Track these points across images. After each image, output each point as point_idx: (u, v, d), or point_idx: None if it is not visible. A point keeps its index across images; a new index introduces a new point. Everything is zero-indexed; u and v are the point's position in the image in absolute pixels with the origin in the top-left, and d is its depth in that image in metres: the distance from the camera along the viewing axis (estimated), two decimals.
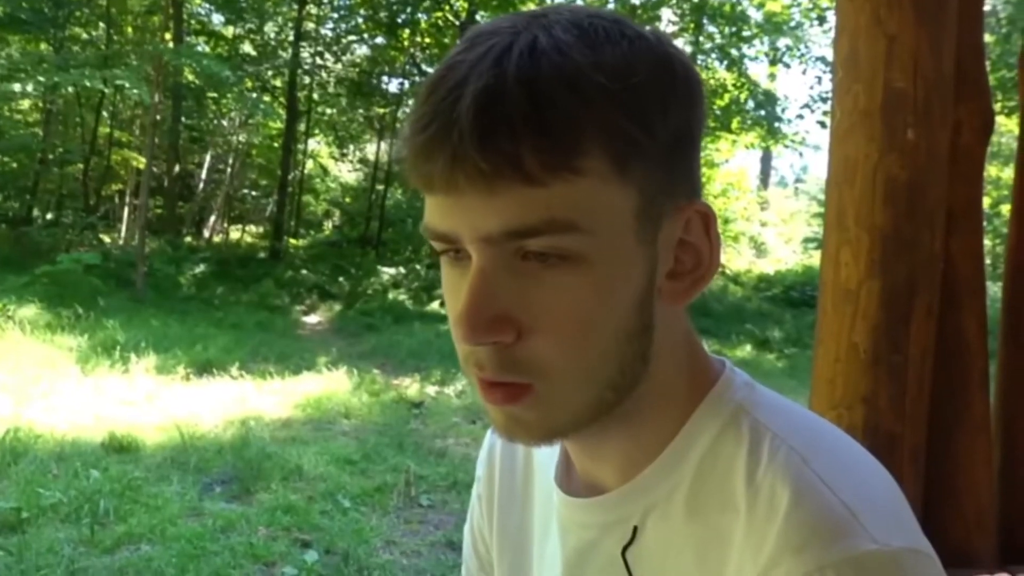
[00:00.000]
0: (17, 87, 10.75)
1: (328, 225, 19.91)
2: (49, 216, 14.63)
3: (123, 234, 14.96)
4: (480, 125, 0.49)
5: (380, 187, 17.82)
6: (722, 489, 0.58)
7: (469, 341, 0.54)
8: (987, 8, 13.05)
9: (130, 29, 15.72)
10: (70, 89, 12.88)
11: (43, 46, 13.46)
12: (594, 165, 0.51)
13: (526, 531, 0.74)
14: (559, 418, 0.57)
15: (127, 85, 10.77)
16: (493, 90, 0.50)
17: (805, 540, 0.52)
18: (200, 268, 13.45)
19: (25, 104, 13.42)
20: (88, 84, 10.72)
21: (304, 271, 14.50)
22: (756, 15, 16.11)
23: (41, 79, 10.77)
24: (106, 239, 14.30)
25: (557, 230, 0.51)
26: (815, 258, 16.84)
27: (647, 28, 0.57)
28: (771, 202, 27.04)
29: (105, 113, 15.95)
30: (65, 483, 4.46)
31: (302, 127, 17.63)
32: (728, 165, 21.26)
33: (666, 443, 0.60)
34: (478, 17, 15.44)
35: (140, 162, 14.32)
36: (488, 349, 0.54)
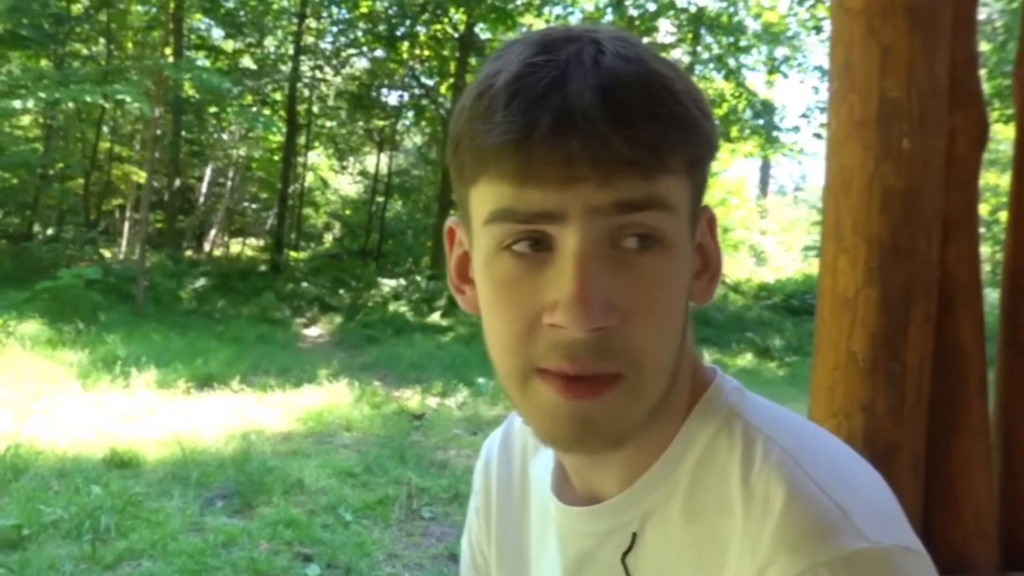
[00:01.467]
0: (18, 103, 10.80)
1: (328, 237, 19.95)
2: (50, 231, 14.66)
3: (124, 248, 14.99)
4: (608, 119, 0.52)
5: (380, 199, 17.86)
6: (718, 492, 0.58)
7: (586, 324, 0.53)
8: (983, 17, 13.11)
9: (130, 44, 15.81)
10: (70, 105, 12.94)
11: (43, 62, 13.53)
12: (677, 162, 0.55)
13: (523, 543, 0.75)
14: (635, 415, 0.57)
15: (128, 100, 10.83)
16: (610, 86, 0.53)
17: (799, 539, 0.53)
18: (201, 282, 13.47)
19: (26, 120, 13.48)
20: (88, 99, 10.78)
21: (305, 284, 14.52)
22: (754, 25, 16.19)
23: (42, 95, 10.83)
24: (107, 254, 14.32)
25: (659, 207, 0.54)
26: (815, 266, 16.84)
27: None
28: (771, 211, 27.10)
29: (105, 128, 16.02)
30: (66, 499, 4.46)
31: (302, 140, 17.70)
32: (727, 174, 21.31)
33: (663, 448, 0.61)
34: (477, 30, 15.52)
35: (141, 176, 14.37)
36: (587, 338, 0.53)
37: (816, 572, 0.51)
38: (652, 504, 0.62)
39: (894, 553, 0.52)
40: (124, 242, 15.23)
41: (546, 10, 15.77)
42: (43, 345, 8.35)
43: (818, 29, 15.64)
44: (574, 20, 15.98)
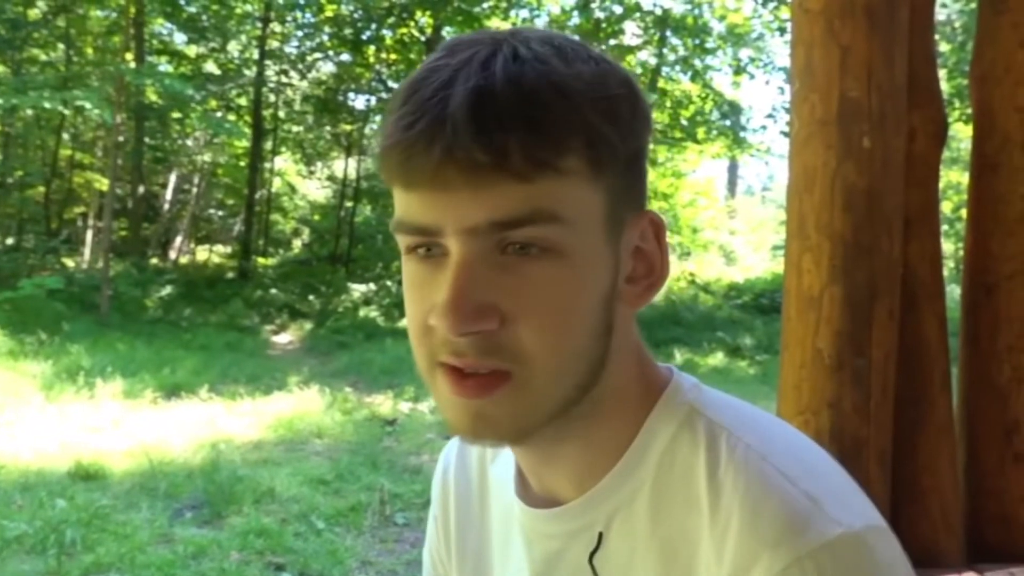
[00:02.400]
0: None
1: (297, 243, 19.77)
2: (10, 241, 14.35)
3: (87, 257, 14.72)
4: (475, 120, 0.52)
5: (349, 204, 17.75)
6: (684, 489, 0.59)
7: (456, 330, 0.54)
8: (942, 17, 13.38)
9: (90, 50, 15.53)
10: (29, 111, 12.69)
11: (0, 68, 13.25)
12: (574, 165, 0.55)
13: (485, 548, 0.75)
14: (530, 412, 0.58)
15: (88, 106, 10.63)
16: (485, 89, 0.53)
17: (779, 534, 0.54)
18: (167, 290, 13.27)
19: None
20: (48, 106, 10.57)
21: (273, 290, 14.37)
22: (719, 27, 16.36)
23: None
24: (69, 263, 14.05)
25: (541, 220, 0.54)
26: (783, 265, 17.04)
27: (604, 53, 0.61)
28: (739, 211, 27.40)
29: (66, 135, 15.72)
30: (30, 513, 4.36)
31: (268, 145, 17.53)
32: (695, 175, 21.51)
33: (623, 447, 0.62)
34: (444, 33, 15.50)
35: (103, 184, 14.13)
36: (468, 339, 0.55)
37: (801, 565, 0.53)
38: (617, 504, 0.62)
39: (867, 533, 0.54)
40: (87, 251, 14.96)
41: (512, 13, 15.80)
42: (4, 357, 8.16)
43: (782, 30, 15.85)
44: (540, 23, 16.05)
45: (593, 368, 0.59)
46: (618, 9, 14.93)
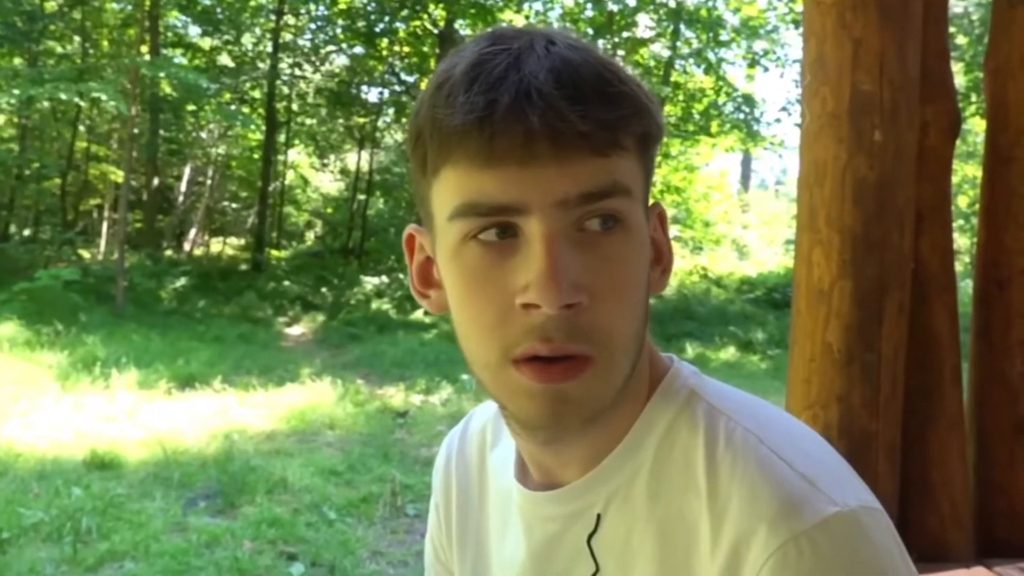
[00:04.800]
0: None
1: (310, 236, 19.85)
2: (27, 232, 14.48)
3: (102, 249, 14.84)
4: (564, 94, 0.54)
5: (362, 197, 17.79)
6: (682, 472, 0.60)
7: (558, 301, 0.54)
8: (959, 10, 13.21)
9: (106, 42, 15.63)
10: (46, 103, 12.79)
11: (17, 60, 13.35)
12: (631, 144, 0.58)
13: (484, 534, 0.76)
14: (607, 394, 0.59)
15: (103, 98, 10.71)
16: (566, 67, 0.55)
17: (775, 514, 0.55)
18: (181, 281, 13.36)
19: (0, 119, 13.29)
20: (64, 97, 10.64)
21: (286, 282, 14.44)
22: (732, 19, 16.26)
23: (16, 92, 10.69)
24: (85, 254, 14.17)
25: (620, 193, 0.56)
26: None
27: None
28: (752, 204, 27.25)
29: (82, 127, 15.83)
30: (46, 502, 4.42)
31: (282, 138, 17.59)
32: (708, 168, 21.41)
33: (624, 432, 0.63)
34: (456, 26, 15.49)
35: (118, 176, 14.23)
36: (558, 319, 0.55)
37: (797, 543, 0.54)
38: (616, 486, 0.63)
39: (861, 513, 0.56)
40: (103, 242, 15.08)
41: (526, 5, 15.76)
42: (21, 347, 8.25)
43: (796, 23, 15.73)
44: (554, 16, 15.99)
45: (640, 350, 0.61)
46: (631, 1, 14.86)
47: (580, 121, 0.53)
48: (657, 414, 0.63)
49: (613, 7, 14.67)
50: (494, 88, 0.54)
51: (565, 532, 0.66)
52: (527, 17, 15.76)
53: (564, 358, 0.56)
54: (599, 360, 0.57)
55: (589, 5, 15.17)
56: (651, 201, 0.63)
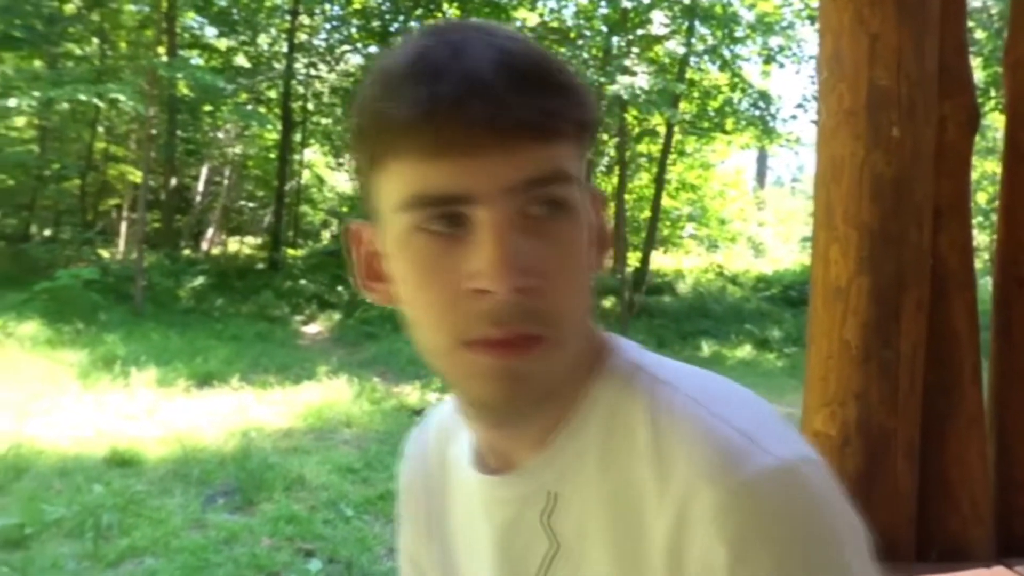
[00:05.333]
0: (13, 102, 10.77)
1: (326, 235, 19.93)
2: (47, 232, 14.64)
3: (121, 248, 14.97)
4: (509, 84, 0.55)
5: None
6: (629, 442, 0.62)
7: (510, 284, 0.55)
8: (978, 4, 13.06)
9: (123, 44, 15.76)
10: (65, 105, 12.91)
11: (37, 63, 13.50)
12: (571, 131, 0.59)
13: (450, 529, 0.77)
14: (559, 370, 0.60)
15: (122, 99, 10.81)
16: (508, 57, 0.56)
17: (715, 470, 0.56)
18: (199, 280, 13.46)
19: (20, 121, 13.44)
20: (83, 98, 10.76)
21: (303, 281, 14.51)
22: (748, 15, 16.16)
23: (36, 94, 10.81)
24: (104, 254, 14.31)
25: (562, 179, 0.58)
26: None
27: None
28: (768, 202, 27.10)
29: (100, 128, 15.98)
30: (68, 498, 4.48)
31: (298, 137, 17.67)
32: (724, 166, 21.31)
33: (570, 409, 0.65)
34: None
35: (136, 176, 14.35)
36: (510, 303, 0.56)
37: (737, 496, 0.55)
38: (567, 463, 0.64)
39: (800, 464, 0.57)
40: (122, 242, 15.22)
41: (540, 3, 15.74)
42: (42, 346, 8.36)
43: (812, 19, 15.62)
44: (568, 13, 15.96)
45: (587, 329, 0.64)
46: None
47: (523, 110, 0.55)
48: (602, 390, 0.65)
49: (627, 4, 14.62)
50: (437, 80, 0.54)
51: (522, 513, 0.67)
52: (541, 15, 15.75)
53: (516, 338, 0.57)
54: (550, 339, 0.59)
55: (603, 2, 15.12)
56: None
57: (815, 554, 0.55)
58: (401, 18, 15.78)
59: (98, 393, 6.88)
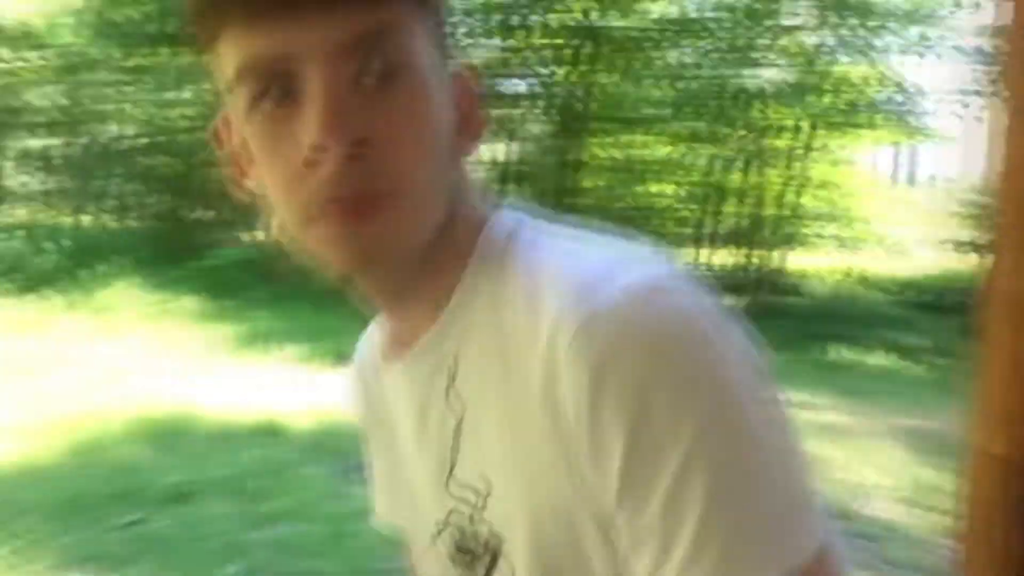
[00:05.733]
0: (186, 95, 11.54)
1: None
2: (204, 213, 15.66)
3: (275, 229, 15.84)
4: None
5: (504, 186, 18.10)
6: (512, 299, 0.63)
7: (337, 147, 0.56)
8: None
9: None
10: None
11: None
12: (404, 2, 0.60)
13: (391, 433, 0.79)
14: (411, 231, 0.62)
15: None
16: None
17: (573, 301, 0.58)
18: None
19: (187, 111, 14.41)
20: None
21: None
22: (891, 5, 15.24)
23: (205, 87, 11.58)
24: (260, 235, 15.21)
25: (390, 42, 0.59)
26: (959, 260, 15.80)
27: None
28: (909, 201, 25.56)
29: None
30: (222, 461, 4.84)
31: None
32: (862, 162, 20.27)
33: (457, 282, 0.67)
34: (594, 16, 15.39)
35: None
36: (346, 168, 0.57)
37: (592, 320, 0.56)
38: (460, 332, 0.66)
39: (664, 278, 0.59)
40: (275, 224, 16.07)
41: None
42: (197, 318, 9.00)
43: (958, 6, 14.53)
44: (697, 2, 15.55)
45: (450, 195, 0.65)
46: None
47: None
48: (483, 259, 0.67)
49: None
50: None
51: (431, 389, 0.69)
52: (668, 2, 15.43)
53: (356, 202, 0.58)
54: (394, 201, 0.59)
55: None
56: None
57: (680, 368, 0.55)
58: (524, 11, 15.85)
59: (250, 366, 7.36)
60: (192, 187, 14.27)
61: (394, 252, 0.62)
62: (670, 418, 0.54)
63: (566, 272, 0.60)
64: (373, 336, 0.81)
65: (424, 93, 0.61)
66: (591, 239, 0.66)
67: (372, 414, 0.83)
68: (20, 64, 13.07)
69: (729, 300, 12.85)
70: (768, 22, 14.39)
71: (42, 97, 14.08)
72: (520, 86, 17.64)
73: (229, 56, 0.59)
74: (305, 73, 0.57)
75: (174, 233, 13.22)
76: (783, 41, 14.73)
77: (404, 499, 0.79)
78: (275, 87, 0.58)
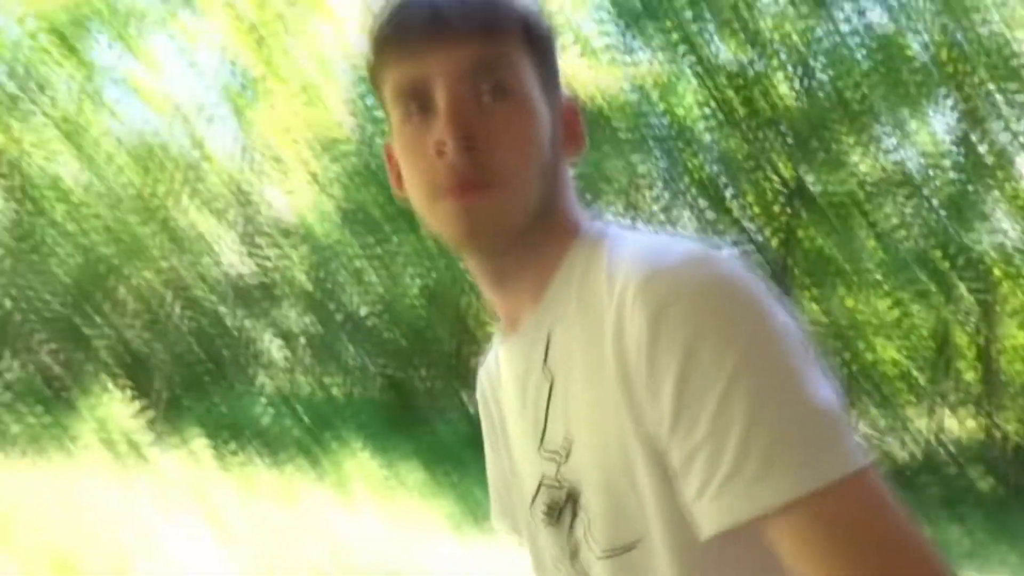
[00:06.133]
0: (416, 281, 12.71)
1: None
2: (432, 383, 16.71)
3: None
4: (452, 3, 0.78)
5: None
6: (596, 283, 0.77)
7: (456, 143, 0.75)
8: None
9: None
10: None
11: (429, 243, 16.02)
12: (516, 39, 0.80)
13: (506, 420, 0.93)
14: (513, 212, 0.78)
15: None
16: None
17: (640, 265, 0.72)
18: None
19: (415, 289, 15.90)
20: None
21: None
22: None
23: (433, 274, 12.73)
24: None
25: (504, 67, 0.79)
26: None
27: None
28: None
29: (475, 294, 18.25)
30: None
31: None
32: None
33: (555, 271, 0.82)
34: (807, 181, 15.34)
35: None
36: (463, 159, 0.76)
37: (653, 279, 0.70)
38: (556, 310, 0.81)
39: (713, 255, 0.72)
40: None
41: (874, 143, 15.10)
42: (420, 491, 9.45)
43: None
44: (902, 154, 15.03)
45: (548, 192, 0.81)
46: None
47: (464, 14, 0.77)
48: (578, 251, 0.82)
49: (983, 148, 13.41)
50: (406, 6, 0.79)
51: (530, 362, 0.83)
52: (875, 160, 15.06)
53: (468, 184, 0.76)
54: (499, 186, 0.77)
55: (954, 148, 14.06)
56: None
57: (724, 314, 0.66)
58: (735, 180, 16.08)
59: (472, 544, 7.49)
60: (421, 358, 15.43)
61: (496, 228, 0.79)
62: (715, 353, 0.66)
63: (638, 248, 0.76)
64: (495, 343, 0.96)
65: (526, 108, 0.80)
66: (661, 235, 0.83)
67: (488, 417, 0.97)
68: (284, 252, 15.18)
69: (980, 481, 11.36)
70: (984, 174, 13.64)
71: (294, 276, 16.16)
72: (734, 252, 17.63)
73: (387, 87, 0.81)
74: (437, 91, 0.77)
75: (403, 402, 14.18)
76: (1005, 191, 13.83)
77: (515, 491, 0.92)
78: (416, 104, 0.79)
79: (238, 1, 10.44)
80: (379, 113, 12.26)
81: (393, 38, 0.80)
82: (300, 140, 12.36)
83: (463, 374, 17.49)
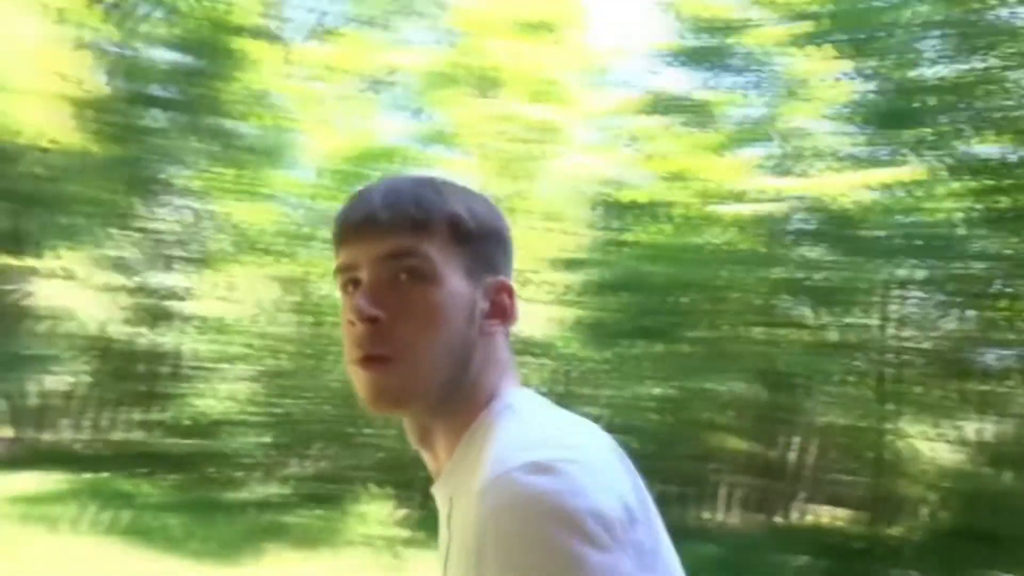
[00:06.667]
0: (655, 391, 12.74)
1: (925, 512, 18.18)
2: (674, 491, 16.38)
3: (720, 512, 15.93)
4: (384, 202, 0.93)
5: (987, 470, 15.84)
6: (478, 467, 0.85)
7: (363, 315, 0.89)
8: None
9: (726, 326, 17.79)
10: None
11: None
12: (440, 233, 0.93)
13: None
14: (412, 386, 0.90)
15: (735, 385, 12.07)
16: (390, 185, 0.97)
17: (492, 467, 0.82)
18: (802, 559, 13.36)
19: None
20: (706, 386, 12.33)
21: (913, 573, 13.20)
22: None
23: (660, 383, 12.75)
24: (705, 515, 15.37)
25: (419, 255, 0.91)
26: None
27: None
28: None
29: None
30: None
31: (891, 406, 17.08)
32: None
33: (466, 433, 0.92)
34: None
35: (737, 444, 15.44)
36: (369, 331, 0.89)
37: (480, 496, 0.80)
38: (459, 474, 0.91)
39: (523, 471, 0.79)
40: (721, 505, 16.18)
41: None
42: None
43: None
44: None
45: (458, 364, 0.92)
46: None
47: (389, 216, 0.91)
48: (483, 420, 0.92)
49: None
50: (350, 203, 0.96)
51: (443, 515, 0.95)
52: None
53: (370, 357, 0.89)
54: (399, 361, 0.89)
55: None
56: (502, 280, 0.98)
57: (522, 536, 0.76)
58: (999, 282, 14.64)
59: None
60: (663, 468, 15.24)
61: (397, 397, 0.91)
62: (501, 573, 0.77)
63: (507, 441, 0.85)
64: None
65: (438, 289, 0.92)
66: (548, 419, 0.91)
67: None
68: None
69: None
70: None
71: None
72: (1007, 359, 15.96)
73: (336, 264, 0.98)
74: (360, 272, 0.93)
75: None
76: None
77: None
78: (349, 281, 0.95)
79: (488, 138, 11.49)
80: (612, 232, 12.84)
81: (339, 228, 0.98)
82: (542, 259, 13.09)
83: (690, 483, 16.91)
